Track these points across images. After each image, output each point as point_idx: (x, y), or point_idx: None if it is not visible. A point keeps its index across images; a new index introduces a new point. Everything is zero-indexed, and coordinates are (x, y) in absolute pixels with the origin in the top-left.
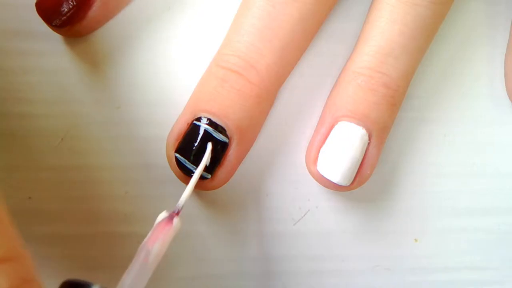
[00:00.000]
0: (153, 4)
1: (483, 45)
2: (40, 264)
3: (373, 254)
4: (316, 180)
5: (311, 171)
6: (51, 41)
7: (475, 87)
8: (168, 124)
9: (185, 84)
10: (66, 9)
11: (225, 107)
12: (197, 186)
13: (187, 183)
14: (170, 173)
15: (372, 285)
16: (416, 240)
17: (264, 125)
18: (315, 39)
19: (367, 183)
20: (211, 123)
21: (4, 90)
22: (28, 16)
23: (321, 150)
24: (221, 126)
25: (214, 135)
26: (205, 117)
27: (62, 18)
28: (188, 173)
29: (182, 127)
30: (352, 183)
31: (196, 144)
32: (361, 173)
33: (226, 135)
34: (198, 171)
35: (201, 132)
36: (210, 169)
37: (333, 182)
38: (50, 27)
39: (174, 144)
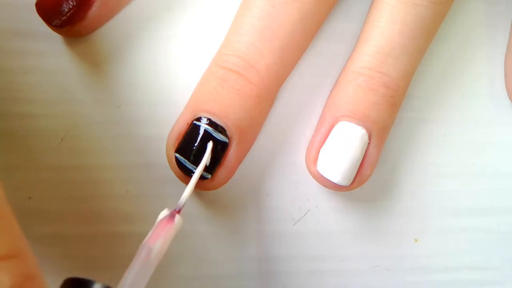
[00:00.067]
0: (153, 4)
1: (483, 45)
2: (41, 264)
3: (373, 254)
4: (316, 180)
5: (311, 171)
6: (51, 41)
7: (475, 87)
8: (168, 123)
9: (185, 83)
10: (66, 9)
11: (225, 107)
12: (197, 186)
13: (187, 183)
14: (171, 172)
15: (372, 285)
16: (416, 240)
17: (264, 125)
18: (315, 39)
19: (367, 183)
20: (211, 123)
21: (4, 90)
22: (28, 16)
23: (321, 150)
24: (221, 126)
25: (214, 135)
26: (205, 117)
27: (62, 18)
28: (188, 173)
29: (182, 127)
30: (352, 183)
31: (196, 144)
32: (361, 173)
33: (226, 135)
34: (198, 171)
35: (201, 132)
36: (210, 169)
37: (333, 182)
38: (50, 27)
39: (174, 144)
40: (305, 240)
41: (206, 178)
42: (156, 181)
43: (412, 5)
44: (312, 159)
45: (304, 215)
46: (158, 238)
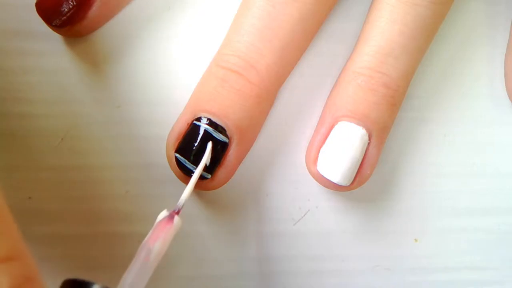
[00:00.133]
0: (153, 4)
1: (483, 45)
2: (41, 264)
3: (373, 254)
4: (316, 180)
5: (311, 171)
6: (51, 41)
7: (475, 87)
8: (168, 123)
9: (185, 83)
10: (66, 9)
11: (225, 107)
12: (197, 186)
13: (187, 183)
14: (171, 172)
15: (372, 285)
16: (416, 240)
17: (264, 125)
18: (315, 39)
19: (367, 183)
20: (211, 123)
21: (4, 90)
22: (28, 16)
23: (321, 150)
24: (221, 126)
25: (214, 135)
26: (205, 117)
27: (62, 18)
28: (188, 173)
29: (182, 127)
30: (352, 183)
31: (196, 144)
32: (361, 173)
33: (226, 135)
34: (198, 171)
35: (201, 132)
36: (210, 169)
37: (333, 182)
38: (50, 27)
39: (174, 144)
40: (305, 240)
41: (206, 178)
42: (156, 181)
43: (412, 5)
44: (312, 159)
45: (304, 215)
46: (157, 239)
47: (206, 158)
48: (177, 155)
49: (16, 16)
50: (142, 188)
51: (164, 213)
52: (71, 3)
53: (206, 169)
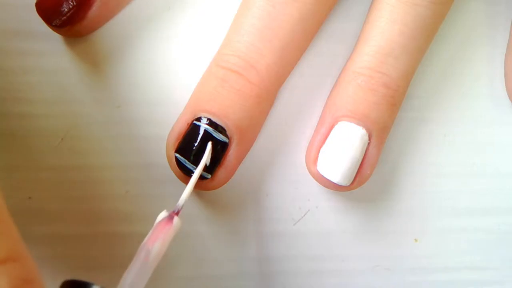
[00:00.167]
0: (153, 4)
1: (483, 45)
2: (40, 264)
3: (373, 254)
4: (316, 180)
5: (311, 171)
6: (51, 41)
7: (475, 87)
8: (168, 123)
9: (185, 83)
10: (66, 9)
11: (225, 107)
12: (197, 186)
13: (187, 183)
14: (171, 172)
15: (372, 285)
16: (416, 240)
17: (264, 125)
18: (315, 39)
19: (367, 183)
20: (211, 123)
21: (4, 90)
22: (28, 16)
23: (321, 150)
24: (221, 126)
25: (214, 135)
26: (205, 117)
27: (62, 18)
28: (188, 173)
29: (182, 127)
30: (352, 183)
31: (196, 144)
32: (361, 173)
33: (226, 135)
34: (197, 171)
35: (201, 132)
36: (210, 169)
37: (333, 182)
38: (50, 27)
39: (174, 144)
40: (305, 240)
41: (206, 178)
42: (156, 181)
43: (412, 5)
44: (312, 159)
45: (304, 215)
46: (157, 240)
47: (206, 158)
48: (177, 155)
49: (16, 16)
50: (142, 188)
51: (163, 214)
52: (71, 3)
53: (206, 169)
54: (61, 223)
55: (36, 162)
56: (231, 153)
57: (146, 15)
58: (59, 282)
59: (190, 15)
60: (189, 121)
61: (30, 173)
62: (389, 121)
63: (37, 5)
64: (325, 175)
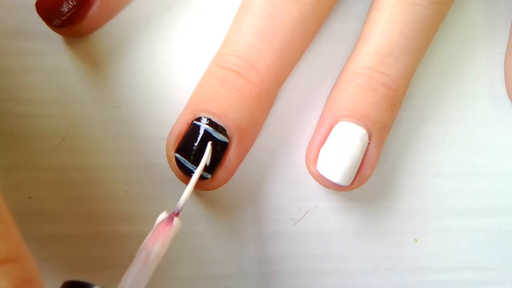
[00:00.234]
0: (153, 4)
1: (483, 45)
2: (40, 264)
3: (373, 254)
4: (316, 180)
5: (311, 171)
6: (51, 41)
7: (475, 87)
8: (168, 123)
9: (185, 83)
10: (66, 9)
11: (225, 107)
12: (197, 186)
13: (187, 183)
14: (171, 172)
15: (372, 285)
16: (416, 240)
17: (264, 125)
18: (315, 39)
19: (367, 183)
20: (211, 123)
21: (4, 90)
22: (28, 16)
23: (321, 150)
24: (221, 126)
25: (214, 135)
26: (205, 117)
27: (62, 18)
28: (188, 173)
29: (182, 127)
30: (352, 183)
31: (196, 144)
32: (361, 173)
33: (226, 135)
34: (198, 171)
35: (201, 132)
36: (210, 169)
37: (333, 182)
38: (50, 27)
39: (174, 144)
40: (305, 240)
41: (206, 178)
42: (156, 181)
43: (412, 5)
44: (312, 159)
45: (304, 215)
46: (157, 241)
47: (206, 158)
48: (177, 155)
49: (16, 16)
50: (142, 188)
51: (163, 215)
52: (71, 3)
53: (206, 169)
54: (61, 223)
55: (36, 162)
56: (231, 153)
57: (146, 15)
58: (59, 282)
59: (190, 15)
60: (189, 121)
61: (30, 173)
62: (389, 121)
63: (37, 5)
64: (325, 175)
